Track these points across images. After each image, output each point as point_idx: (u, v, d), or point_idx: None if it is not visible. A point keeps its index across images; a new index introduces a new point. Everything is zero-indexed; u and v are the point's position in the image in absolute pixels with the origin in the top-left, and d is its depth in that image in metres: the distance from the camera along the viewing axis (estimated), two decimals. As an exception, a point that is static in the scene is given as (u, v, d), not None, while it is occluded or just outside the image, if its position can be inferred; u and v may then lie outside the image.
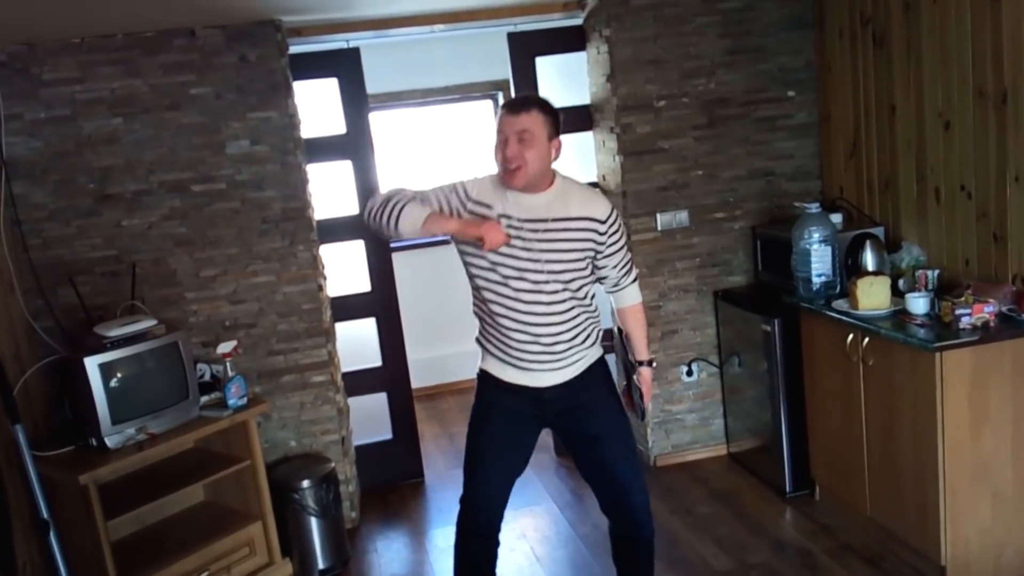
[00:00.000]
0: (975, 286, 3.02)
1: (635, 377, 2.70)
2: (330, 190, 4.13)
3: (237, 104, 3.59)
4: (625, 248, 2.59)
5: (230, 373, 3.32)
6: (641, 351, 2.73)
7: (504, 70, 4.31)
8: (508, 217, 2.42)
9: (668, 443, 4.24)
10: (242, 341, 3.65)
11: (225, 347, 3.36)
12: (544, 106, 2.42)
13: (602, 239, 2.49)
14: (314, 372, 3.81)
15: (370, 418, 4.28)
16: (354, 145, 4.08)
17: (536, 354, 2.48)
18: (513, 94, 4.33)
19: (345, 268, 4.23)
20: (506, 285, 2.44)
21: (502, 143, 2.39)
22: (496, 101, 5.76)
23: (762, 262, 4.04)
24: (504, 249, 2.40)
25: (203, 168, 3.60)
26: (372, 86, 4.24)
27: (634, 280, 2.67)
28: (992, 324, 2.83)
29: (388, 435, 4.33)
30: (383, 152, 5.42)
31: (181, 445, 3.30)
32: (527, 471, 2.72)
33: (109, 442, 3.02)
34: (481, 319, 2.58)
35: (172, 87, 3.54)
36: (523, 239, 2.41)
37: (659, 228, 4.09)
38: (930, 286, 3.17)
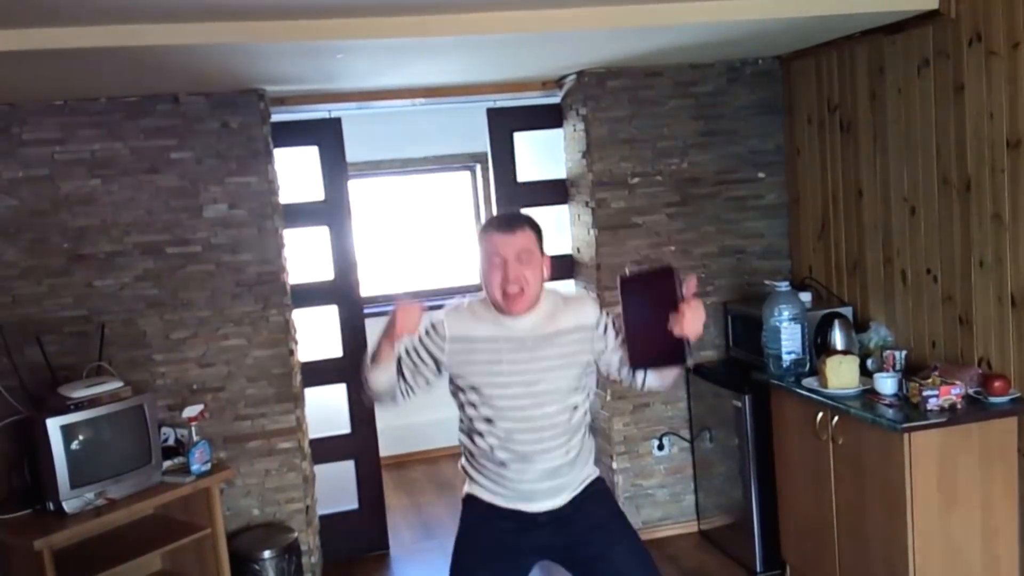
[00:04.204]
0: (942, 368, 3.07)
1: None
2: (306, 255, 4.14)
3: (217, 169, 3.62)
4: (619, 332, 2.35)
5: (195, 438, 3.26)
6: None
7: (483, 142, 4.40)
8: (499, 340, 2.23)
9: (638, 518, 4.19)
10: (209, 405, 3.59)
11: (191, 411, 3.31)
12: (533, 223, 2.27)
13: (599, 339, 2.30)
14: (281, 438, 3.75)
15: (336, 487, 4.20)
16: (332, 211, 4.11)
17: (532, 482, 2.26)
18: (491, 167, 4.41)
19: (317, 333, 4.22)
20: (501, 414, 2.23)
21: (499, 266, 2.17)
22: (474, 172, 5.86)
23: (733, 338, 4.08)
24: (497, 379, 2.22)
25: (179, 231, 3.60)
26: (352, 155, 4.30)
27: None
28: (959, 406, 2.87)
29: (354, 504, 4.24)
30: (361, 218, 5.46)
31: (141, 511, 3.23)
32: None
33: (67, 506, 2.94)
34: (469, 449, 2.34)
35: (153, 151, 3.57)
36: (516, 363, 2.22)
37: (632, 302, 4.12)
38: (898, 366, 3.22)
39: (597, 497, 2.36)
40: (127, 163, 3.55)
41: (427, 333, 2.29)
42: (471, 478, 2.36)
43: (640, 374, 2.32)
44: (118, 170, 3.54)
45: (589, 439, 2.38)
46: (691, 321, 2.04)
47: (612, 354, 2.33)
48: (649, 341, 2.13)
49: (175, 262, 3.60)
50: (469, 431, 2.32)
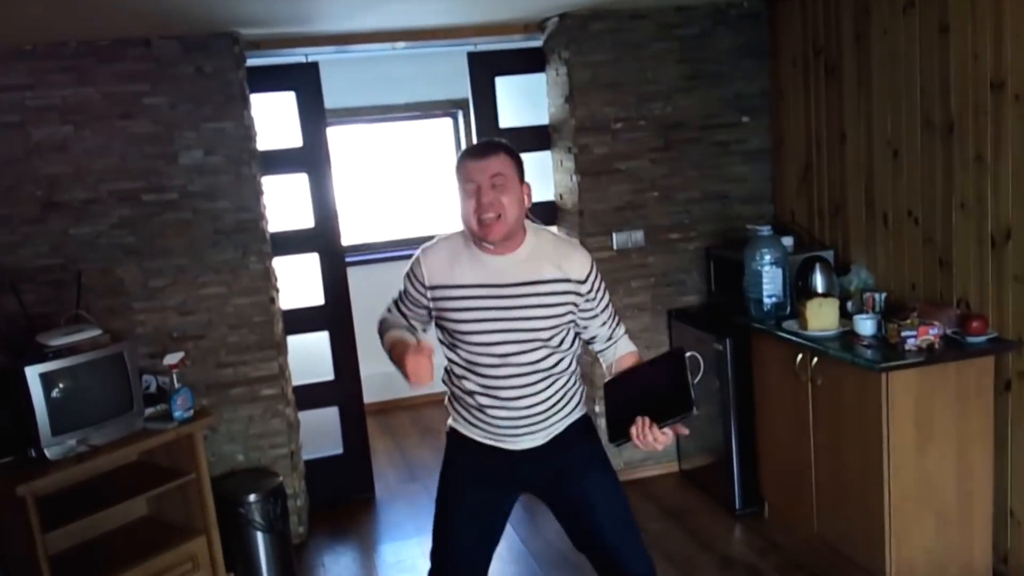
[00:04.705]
0: (921, 309, 3.09)
1: (694, 409, 2.07)
2: (286, 203, 4.10)
3: (192, 114, 3.55)
4: (609, 302, 2.33)
5: (176, 385, 3.25)
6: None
7: (464, 89, 4.34)
8: (477, 287, 2.18)
9: (620, 460, 4.24)
10: (190, 353, 3.58)
11: (172, 358, 3.30)
12: (510, 149, 2.20)
13: (584, 300, 2.23)
14: (264, 385, 3.75)
15: (321, 432, 4.22)
16: (311, 158, 4.05)
17: (511, 426, 2.24)
18: (473, 113, 4.35)
19: (299, 281, 4.19)
20: (481, 355, 2.20)
21: (473, 192, 2.11)
22: (455, 119, 5.78)
23: (715, 283, 4.09)
24: (476, 325, 2.18)
25: (154, 178, 3.54)
26: (331, 101, 4.23)
27: (625, 331, 2.39)
28: (937, 346, 2.90)
29: (339, 450, 4.28)
30: (341, 166, 5.40)
31: (124, 457, 3.22)
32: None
33: (49, 453, 2.93)
34: (451, 389, 2.34)
35: (125, 96, 3.49)
36: (498, 308, 2.17)
37: (615, 247, 4.12)
38: (877, 308, 3.24)
39: (579, 436, 2.34)
40: (99, 109, 3.47)
41: (410, 280, 2.28)
42: (454, 415, 2.36)
43: (607, 361, 2.35)
44: (90, 116, 3.46)
45: (577, 385, 2.34)
46: (652, 444, 2.05)
47: (597, 326, 2.30)
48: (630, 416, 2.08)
49: (151, 210, 3.55)
50: (451, 372, 2.31)
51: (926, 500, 2.93)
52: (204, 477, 3.31)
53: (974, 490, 2.97)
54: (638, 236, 4.14)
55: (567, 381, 2.29)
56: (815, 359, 3.16)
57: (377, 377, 5.25)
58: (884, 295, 3.30)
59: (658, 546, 3.55)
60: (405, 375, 2.10)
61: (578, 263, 2.22)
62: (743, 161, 4.20)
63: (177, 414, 3.23)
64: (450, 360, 2.30)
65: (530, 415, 2.24)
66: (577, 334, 2.31)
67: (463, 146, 5.70)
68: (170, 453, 3.32)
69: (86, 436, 3.01)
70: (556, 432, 2.30)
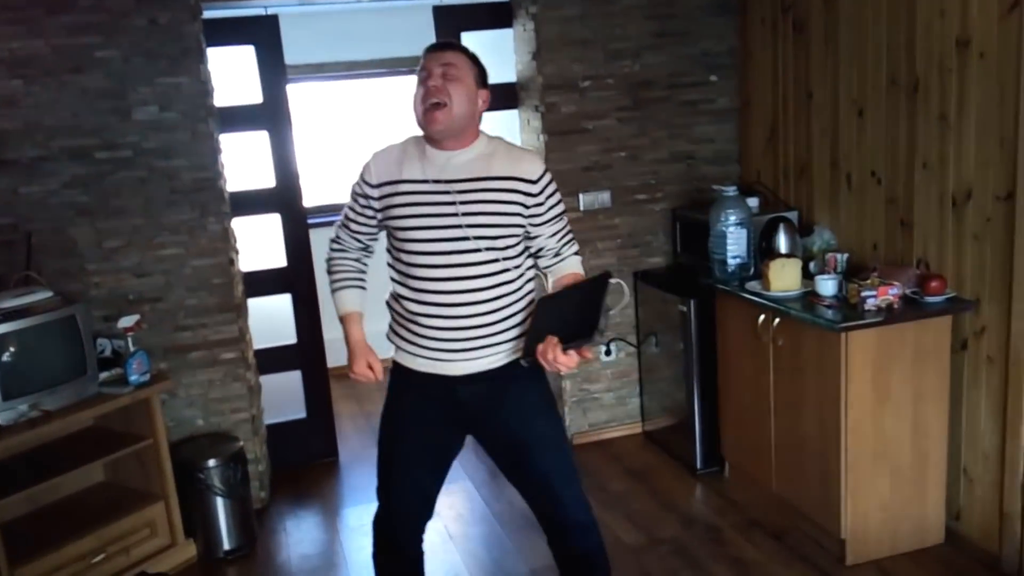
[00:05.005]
0: (881, 269, 3.09)
1: (600, 331, 2.09)
2: (245, 161, 4.01)
3: (145, 69, 3.43)
4: (563, 217, 2.27)
5: (131, 348, 3.19)
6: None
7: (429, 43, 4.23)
8: (424, 182, 2.14)
9: (585, 422, 4.26)
10: (147, 316, 3.51)
11: (126, 321, 3.23)
12: (469, 52, 2.18)
13: (533, 201, 2.17)
14: (224, 348, 3.69)
15: (284, 397, 4.18)
16: (271, 116, 3.95)
17: (451, 337, 2.17)
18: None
19: (260, 242, 4.12)
20: (426, 254, 2.15)
21: (423, 80, 2.10)
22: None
23: (681, 244, 4.07)
24: (421, 220, 2.13)
25: (108, 134, 3.43)
26: (292, 56, 4.12)
27: (576, 253, 2.34)
28: (896, 306, 2.91)
29: (302, 414, 4.24)
30: (304, 125, 5.29)
31: (78, 423, 3.18)
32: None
33: (0, 418, 2.87)
34: (394, 308, 2.28)
35: (76, 49, 3.37)
36: (443, 203, 2.12)
37: (581, 208, 4.09)
38: (839, 269, 3.24)
39: (526, 378, 2.24)
40: (49, 62, 3.34)
41: (358, 187, 2.27)
42: (396, 339, 2.30)
43: (553, 279, 2.31)
44: (40, 70, 3.34)
45: (522, 309, 2.22)
46: (555, 365, 2.03)
47: (546, 237, 2.24)
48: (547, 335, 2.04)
49: (105, 168, 3.45)
50: (395, 291, 2.27)
51: (882, 459, 2.96)
52: (162, 442, 3.27)
53: (929, 449, 3.00)
54: (605, 197, 4.11)
55: (513, 301, 2.21)
56: (777, 320, 3.16)
57: (340, 341, 5.18)
58: (846, 256, 3.30)
59: (620, 506, 3.58)
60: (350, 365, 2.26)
61: (530, 164, 2.20)
62: (710, 121, 4.16)
63: (133, 378, 3.17)
64: (394, 270, 2.25)
65: (470, 326, 2.16)
66: (527, 249, 2.26)
67: (430, 105, 5.61)
68: (127, 418, 3.27)
69: (38, 401, 2.96)
70: (498, 362, 2.21)
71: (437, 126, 2.11)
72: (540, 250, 2.27)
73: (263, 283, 4.05)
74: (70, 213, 3.44)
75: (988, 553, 2.94)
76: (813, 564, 3.04)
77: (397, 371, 2.32)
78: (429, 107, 2.09)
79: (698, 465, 3.82)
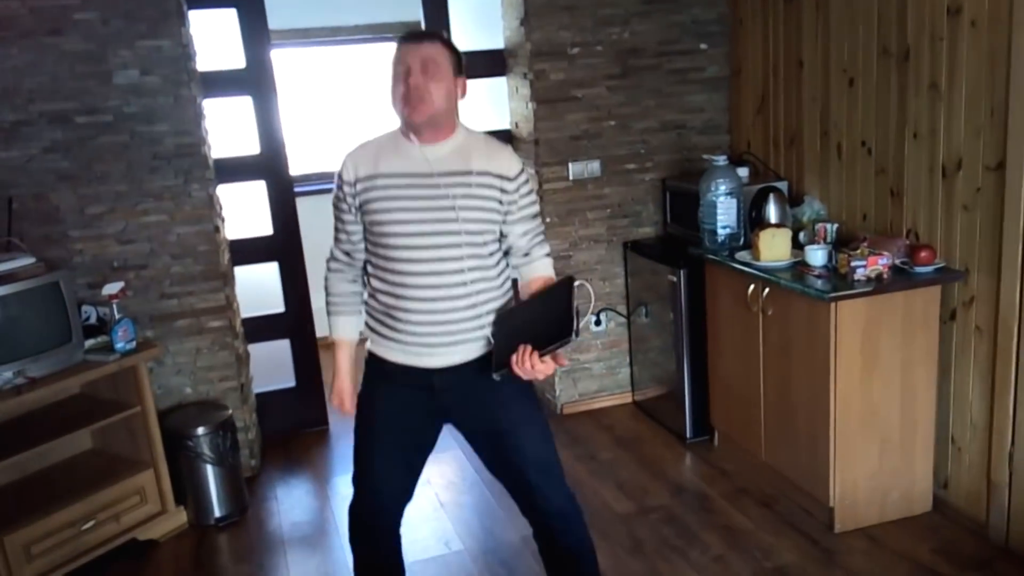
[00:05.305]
0: (871, 239, 3.10)
1: (574, 335, 2.06)
2: (230, 128, 3.94)
3: (125, 31, 3.36)
4: (536, 216, 2.26)
5: (116, 316, 3.15)
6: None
7: (415, 10, 4.17)
8: (403, 176, 2.13)
9: (575, 391, 4.27)
10: (132, 283, 3.47)
11: (111, 288, 3.18)
12: (447, 41, 2.16)
13: (509, 198, 2.17)
14: (211, 317, 3.66)
15: (273, 365, 4.16)
16: (255, 80, 3.88)
17: (429, 332, 2.16)
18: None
19: (246, 210, 4.07)
20: (404, 248, 2.13)
21: (402, 75, 2.08)
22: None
23: (671, 214, 4.06)
24: (399, 215, 2.11)
25: (88, 98, 3.36)
26: (276, 21, 4.04)
27: (547, 255, 2.31)
28: (886, 276, 2.92)
29: (291, 383, 4.23)
30: (289, 92, 5.21)
31: (65, 390, 3.15)
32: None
33: (-17, 386, 2.84)
34: (370, 303, 2.26)
35: (54, 10, 3.28)
36: (423, 197, 2.11)
37: (571, 178, 4.06)
38: (828, 239, 3.25)
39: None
40: (27, 24, 3.26)
41: (339, 189, 2.22)
42: (372, 333, 2.26)
43: (522, 280, 2.30)
44: (17, 32, 3.26)
45: (499, 302, 2.22)
46: (532, 373, 2.01)
47: (517, 235, 2.22)
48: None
49: (86, 132, 3.38)
50: (372, 286, 2.23)
51: (870, 428, 2.99)
52: (150, 410, 3.24)
53: (917, 418, 3.03)
54: (594, 166, 4.08)
55: (492, 297, 2.20)
56: (766, 290, 3.17)
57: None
58: (836, 226, 3.30)
59: (610, 474, 3.60)
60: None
61: (508, 160, 2.19)
62: (700, 90, 4.14)
63: (119, 346, 3.14)
64: (372, 265, 2.23)
65: (448, 320, 2.15)
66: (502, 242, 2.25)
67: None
68: (114, 386, 3.24)
69: (23, 368, 2.92)
70: (476, 353, 2.19)
71: (419, 118, 2.09)
72: (510, 248, 2.26)
73: (250, 251, 4.01)
74: (51, 178, 3.37)
75: (975, 521, 2.98)
76: (802, 532, 3.08)
77: (372, 360, 2.29)
78: (412, 101, 2.08)
79: (688, 434, 3.84)
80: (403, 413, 2.25)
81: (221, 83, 3.81)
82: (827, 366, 2.91)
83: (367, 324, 2.29)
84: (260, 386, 4.06)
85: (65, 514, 2.99)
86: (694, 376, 3.77)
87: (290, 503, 3.60)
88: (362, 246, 2.26)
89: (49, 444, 3.03)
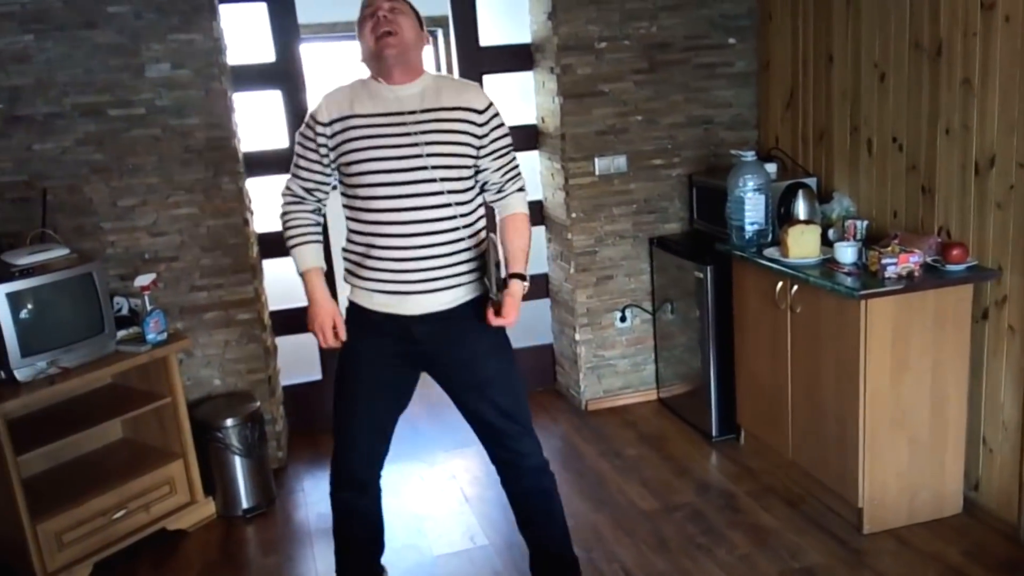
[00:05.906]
0: (902, 237, 3.07)
1: (493, 294, 2.29)
2: (259, 121, 3.97)
3: (158, 25, 3.39)
4: (509, 151, 2.39)
5: (148, 307, 3.19)
6: (516, 261, 2.36)
7: (443, 5, 4.18)
8: (377, 115, 2.25)
9: (600, 388, 4.27)
10: (163, 275, 3.51)
11: (143, 280, 3.22)
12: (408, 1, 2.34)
13: (480, 132, 2.29)
14: (240, 309, 3.69)
15: (300, 358, 4.18)
16: (284, 74, 3.91)
17: (407, 270, 2.25)
18: (452, 31, 4.21)
19: (274, 204, 4.07)
20: (380, 185, 2.23)
21: (371, 15, 2.23)
22: (435, 38, 5.60)
23: (697, 210, 4.04)
24: (375, 152, 2.23)
25: (120, 91, 3.40)
26: (304, 16, 4.06)
27: (520, 189, 2.43)
28: (916, 274, 2.89)
29: (318, 376, 4.25)
30: (317, 85, 5.23)
31: (97, 380, 3.19)
32: (456, 413, 2.53)
33: (19, 375, 2.88)
34: (349, 250, 2.36)
35: (88, 4, 3.32)
36: (397, 135, 2.23)
37: (597, 173, 4.06)
38: (858, 236, 3.22)
39: (482, 325, 2.33)
40: (61, 17, 3.30)
41: (308, 127, 2.33)
42: (352, 277, 2.37)
43: (499, 215, 2.44)
44: (52, 25, 3.30)
45: (476, 247, 2.34)
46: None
47: (490, 171, 2.35)
48: None
49: (118, 125, 3.42)
50: (349, 221, 2.34)
51: (900, 427, 2.96)
52: (180, 401, 3.28)
53: (948, 417, 3.00)
54: (621, 162, 4.07)
55: (466, 235, 2.31)
56: (795, 287, 3.15)
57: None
58: (866, 223, 3.28)
59: (635, 472, 3.59)
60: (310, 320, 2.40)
61: (476, 95, 2.33)
62: (728, 85, 4.11)
63: (150, 337, 3.17)
64: (348, 208, 2.33)
65: (425, 256, 2.26)
66: (477, 183, 2.38)
67: (443, 67, 5.55)
68: (145, 376, 3.28)
69: (56, 358, 2.96)
70: (452, 302, 2.32)
71: (391, 50, 2.22)
72: (484, 184, 2.38)
73: (279, 245, 4.00)
74: (84, 171, 3.42)
75: (1007, 523, 2.94)
76: (830, 532, 3.06)
77: (353, 311, 2.39)
78: (381, 35, 2.22)
79: (713, 432, 3.82)
80: (382, 363, 2.36)
81: (251, 77, 3.84)
82: (856, 365, 2.89)
83: (346, 271, 2.39)
84: (287, 379, 4.09)
85: (98, 502, 3.04)
86: (720, 374, 3.75)
87: (317, 495, 3.63)
88: (319, 189, 2.38)
89: (81, 433, 3.07)
